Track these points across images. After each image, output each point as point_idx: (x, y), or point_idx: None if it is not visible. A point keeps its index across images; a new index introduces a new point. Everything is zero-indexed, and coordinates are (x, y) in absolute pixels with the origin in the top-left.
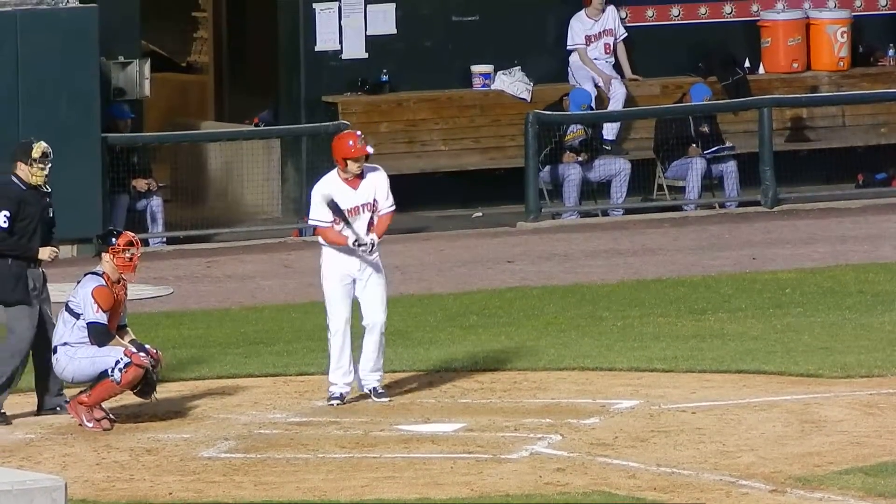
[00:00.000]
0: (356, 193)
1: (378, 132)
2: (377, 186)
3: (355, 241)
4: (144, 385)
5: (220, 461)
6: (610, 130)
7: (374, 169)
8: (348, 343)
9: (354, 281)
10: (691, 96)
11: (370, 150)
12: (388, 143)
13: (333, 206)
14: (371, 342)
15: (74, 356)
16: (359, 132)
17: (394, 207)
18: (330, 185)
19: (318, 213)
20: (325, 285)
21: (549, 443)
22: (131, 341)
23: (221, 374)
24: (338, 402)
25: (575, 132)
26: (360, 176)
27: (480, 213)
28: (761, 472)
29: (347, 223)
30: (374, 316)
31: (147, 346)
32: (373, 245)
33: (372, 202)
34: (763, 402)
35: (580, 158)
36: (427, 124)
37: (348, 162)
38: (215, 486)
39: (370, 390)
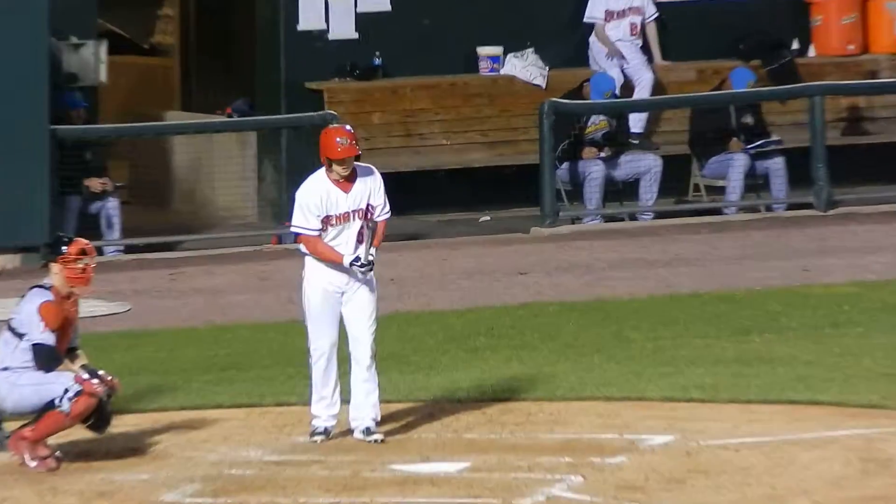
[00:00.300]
0: (347, 198)
1: (370, 124)
2: (372, 190)
3: (355, 259)
4: (97, 417)
5: None
6: (637, 122)
7: (368, 170)
8: (334, 369)
9: (342, 295)
10: (732, 82)
11: (359, 150)
12: (381, 136)
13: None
14: (360, 372)
15: (16, 383)
16: (348, 126)
17: (389, 215)
18: (316, 187)
19: (303, 220)
20: (306, 302)
21: (568, 485)
22: (83, 366)
23: (186, 404)
24: (321, 437)
25: (597, 124)
26: (352, 177)
27: (488, 218)
28: None
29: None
30: (362, 341)
31: (101, 372)
32: (372, 263)
33: (364, 209)
34: (818, 437)
35: (603, 154)
36: (426, 115)
37: (333, 164)
38: None
39: (362, 431)
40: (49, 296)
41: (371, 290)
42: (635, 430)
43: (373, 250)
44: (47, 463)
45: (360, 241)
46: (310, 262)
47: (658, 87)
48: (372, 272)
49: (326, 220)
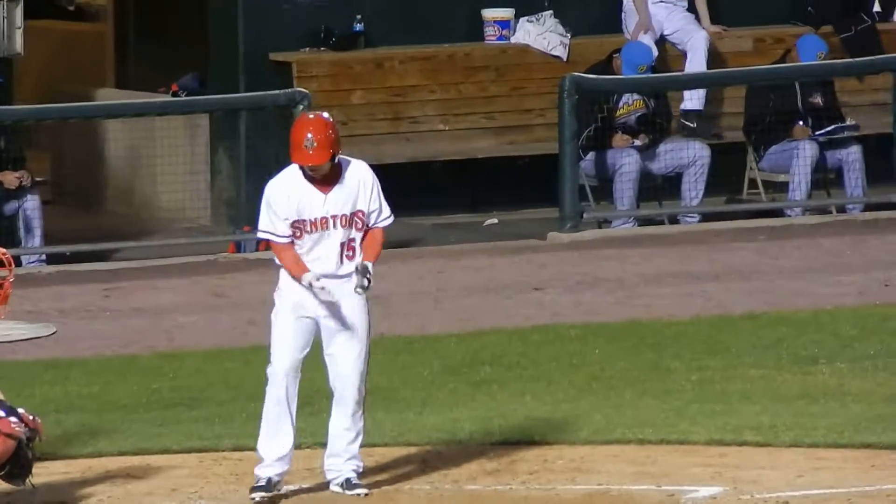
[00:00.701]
0: (325, 200)
1: (349, 104)
2: (360, 193)
3: (316, 279)
4: (14, 465)
5: None
6: (694, 98)
7: (357, 166)
8: (290, 399)
9: (318, 321)
10: (798, 53)
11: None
12: (363, 119)
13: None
14: (341, 417)
15: None
16: (326, 116)
17: (390, 219)
18: (287, 184)
19: (269, 223)
20: (274, 315)
21: None
22: None
23: (125, 449)
24: (262, 493)
25: (630, 104)
26: (334, 176)
27: (496, 220)
28: None
29: None
30: (348, 380)
31: (21, 411)
32: (366, 284)
33: (349, 215)
34: None
35: (638, 142)
36: (419, 93)
37: (303, 168)
38: None
39: (340, 484)
40: None
41: (363, 318)
42: (676, 481)
43: (366, 265)
44: None
45: (346, 256)
46: (284, 273)
47: (708, 58)
48: (363, 295)
49: (299, 226)
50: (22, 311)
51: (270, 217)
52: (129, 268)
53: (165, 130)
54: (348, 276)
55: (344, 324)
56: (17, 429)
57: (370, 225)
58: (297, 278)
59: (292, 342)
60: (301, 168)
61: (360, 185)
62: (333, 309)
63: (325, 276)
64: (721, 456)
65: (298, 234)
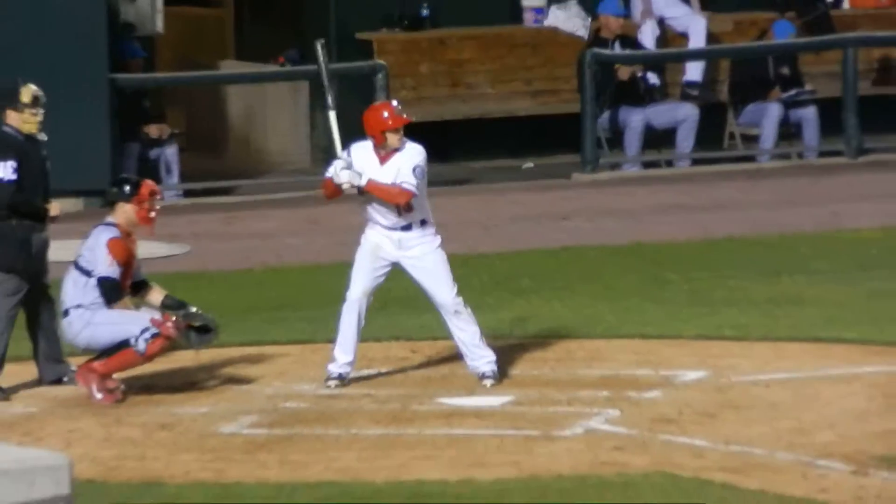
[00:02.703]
0: (382, 170)
1: (418, 73)
2: (404, 162)
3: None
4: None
5: (241, 437)
6: (694, 70)
7: (412, 148)
8: (358, 318)
9: (392, 265)
10: (774, 34)
11: (411, 118)
12: (429, 85)
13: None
14: (452, 323)
15: (91, 321)
16: (394, 101)
17: (410, 188)
18: (361, 150)
19: (332, 169)
20: (357, 252)
21: (606, 418)
22: (166, 298)
23: (243, 341)
24: (336, 382)
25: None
26: (395, 151)
27: (531, 164)
28: (841, 452)
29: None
30: (445, 306)
31: (192, 309)
32: (350, 182)
33: (395, 182)
34: (844, 374)
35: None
36: (472, 65)
37: (387, 135)
38: (236, 464)
39: (479, 374)
40: (115, 232)
41: (438, 254)
42: (670, 367)
43: (357, 175)
44: (114, 395)
45: (398, 211)
46: (370, 223)
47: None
48: (427, 235)
49: None
50: (163, 234)
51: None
52: (245, 200)
53: (274, 93)
54: (409, 227)
55: (425, 264)
56: (172, 331)
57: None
58: (332, 193)
59: (365, 277)
60: (379, 143)
61: (407, 158)
62: (407, 251)
63: (389, 227)
64: (705, 348)
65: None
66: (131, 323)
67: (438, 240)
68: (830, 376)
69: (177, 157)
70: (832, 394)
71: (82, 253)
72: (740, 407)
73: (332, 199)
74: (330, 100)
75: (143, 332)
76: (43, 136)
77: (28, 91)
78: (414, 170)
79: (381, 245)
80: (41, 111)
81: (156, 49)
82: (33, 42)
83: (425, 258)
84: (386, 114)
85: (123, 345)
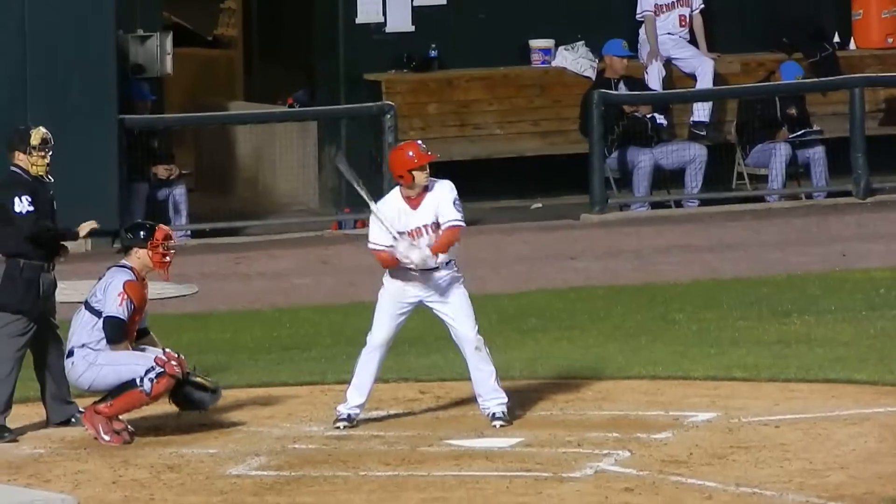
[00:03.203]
0: (416, 213)
1: (426, 114)
2: (440, 201)
3: (378, 210)
4: (181, 399)
5: (249, 479)
6: (701, 111)
7: (441, 184)
8: (376, 363)
9: (420, 303)
10: (782, 75)
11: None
12: (437, 126)
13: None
14: (471, 360)
15: (95, 362)
16: (419, 141)
17: (459, 223)
18: (388, 206)
19: (376, 236)
20: (379, 295)
21: (616, 459)
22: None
23: (252, 382)
24: (344, 423)
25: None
26: (424, 192)
27: (540, 205)
28: (852, 493)
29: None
30: (467, 340)
31: (166, 350)
32: (426, 258)
33: (435, 222)
34: (854, 414)
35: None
36: (480, 105)
37: (414, 173)
38: None
39: (489, 416)
40: (131, 275)
41: (462, 291)
42: (680, 408)
43: (426, 251)
44: (122, 437)
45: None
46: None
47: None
48: (452, 274)
49: (402, 233)
50: (172, 275)
51: (376, 230)
52: (254, 241)
53: (283, 134)
54: (435, 267)
55: (452, 299)
56: (177, 370)
57: (443, 224)
58: (394, 264)
59: (389, 321)
60: (404, 186)
61: (440, 195)
62: (437, 290)
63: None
64: (715, 388)
65: (398, 237)
66: (136, 364)
67: (461, 277)
68: (841, 417)
69: (185, 198)
70: (843, 434)
71: (95, 293)
72: (750, 448)
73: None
74: (366, 197)
75: (147, 371)
76: (49, 179)
77: (38, 134)
78: (454, 203)
79: (406, 288)
80: (49, 153)
81: (165, 90)
82: (44, 83)
83: (450, 294)
84: (411, 153)
85: (129, 385)
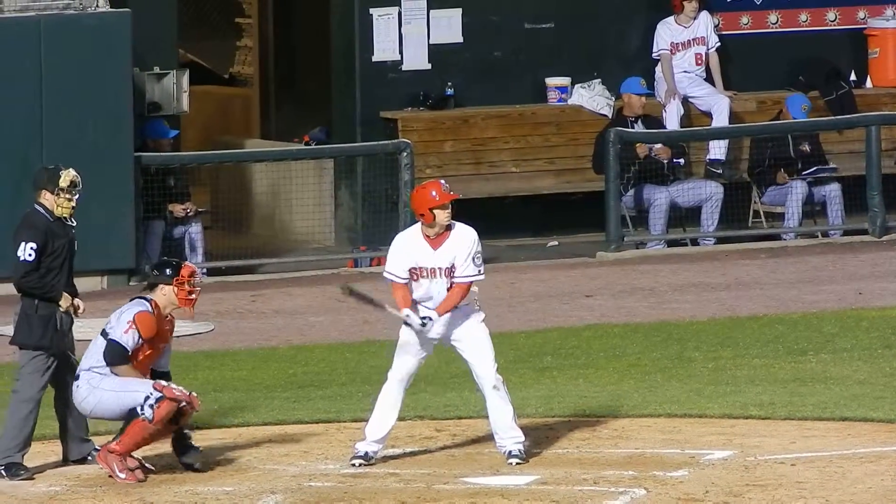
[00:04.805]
0: (434, 255)
1: (442, 152)
2: (459, 248)
3: (406, 316)
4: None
5: None
6: (718, 150)
7: (464, 231)
8: (397, 400)
9: (441, 340)
10: (788, 108)
11: (457, 194)
12: (453, 163)
13: (359, 296)
14: (489, 399)
15: (98, 386)
16: (442, 180)
17: (477, 277)
18: (409, 238)
19: (392, 266)
20: (401, 332)
21: (632, 498)
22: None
23: (268, 420)
24: (360, 461)
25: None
26: (446, 233)
27: (556, 243)
28: None
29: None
30: (485, 378)
31: (181, 388)
32: (426, 323)
33: (450, 267)
34: (870, 453)
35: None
36: (496, 143)
37: (435, 213)
38: None
39: (505, 454)
40: (148, 307)
41: (483, 328)
42: (696, 446)
43: (433, 314)
44: (136, 475)
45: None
46: (415, 304)
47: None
48: (473, 312)
49: (416, 272)
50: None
51: (394, 260)
52: (270, 279)
53: (299, 172)
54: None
55: (471, 337)
56: (178, 394)
57: (454, 276)
58: (398, 310)
59: (410, 359)
60: (427, 226)
61: (460, 244)
62: (456, 328)
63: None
64: (731, 426)
65: (415, 278)
66: (136, 390)
67: (482, 315)
68: (857, 455)
69: (201, 236)
70: (859, 473)
71: (110, 320)
72: (767, 486)
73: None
74: (395, 312)
75: (146, 399)
76: (73, 221)
77: (68, 176)
78: (473, 260)
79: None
80: (76, 196)
81: (181, 127)
82: (60, 121)
83: (471, 332)
84: (434, 192)
85: (132, 416)
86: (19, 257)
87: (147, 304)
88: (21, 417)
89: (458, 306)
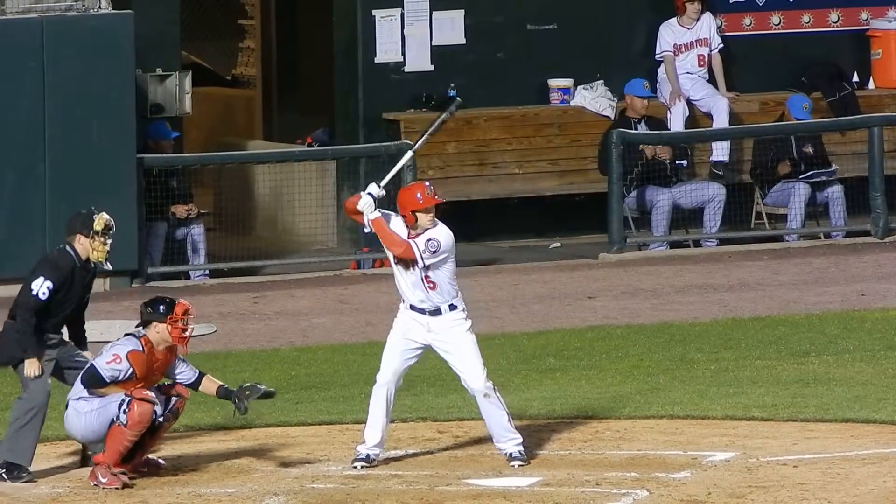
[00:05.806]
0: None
1: (445, 153)
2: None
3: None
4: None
5: None
6: (720, 151)
7: (441, 229)
8: (387, 401)
9: (424, 347)
10: (789, 109)
11: (441, 199)
12: (455, 165)
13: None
14: (482, 406)
15: (81, 410)
16: (427, 182)
17: (413, 249)
18: (398, 221)
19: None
20: (389, 335)
21: (634, 499)
22: (220, 389)
23: (270, 422)
24: (362, 463)
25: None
26: (428, 231)
27: (558, 244)
28: None
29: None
30: (470, 378)
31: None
32: (363, 210)
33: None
34: (873, 454)
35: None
36: (499, 144)
37: (418, 215)
38: None
39: (507, 457)
40: (139, 346)
41: (470, 337)
42: (698, 447)
43: (370, 210)
44: (118, 478)
45: (429, 287)
46: (402, 306)
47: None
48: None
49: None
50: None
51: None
52: (272, 280)
53: (302, 173)
54: (438, 311)
55: (457, 348)
56: (147, 393)
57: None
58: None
59: (395, 360)
60: (411, 227)
61: (431, 236)
62: (442, 337)
63: (418, 310)
64: (733, 428)
65: (396, 260)
66: (111, 401)
67: (468, 323)
68: (859, 456)
69: (203, 237)
70: (861, 474)
71: (102, 351)
72: (769, 488)
73: (350, 216)
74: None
75: (120, 406)
76: (108, 266)
77: (101, 220)
78: (429, 241)
79: (412, 328)
80: (110, 241)
81: (184, 129)
82: (63, 123)
83: (455, 341)
84: (418, 195)
85: (110, 427)
86: (32, 290)
87: (138, 342)
88: (26, 422)
89: (364, 225)
